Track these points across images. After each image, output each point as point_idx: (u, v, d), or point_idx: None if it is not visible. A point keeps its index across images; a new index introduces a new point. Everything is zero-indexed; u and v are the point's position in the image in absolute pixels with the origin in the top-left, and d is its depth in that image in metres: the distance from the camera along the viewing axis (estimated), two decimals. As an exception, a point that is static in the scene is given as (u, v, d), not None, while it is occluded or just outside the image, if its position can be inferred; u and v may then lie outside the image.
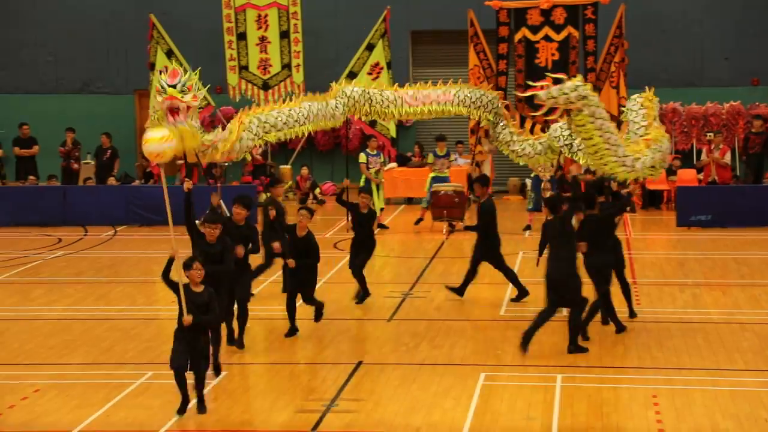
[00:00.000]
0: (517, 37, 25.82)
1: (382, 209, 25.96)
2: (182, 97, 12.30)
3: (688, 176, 27.82)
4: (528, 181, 26.99)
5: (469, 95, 16.95)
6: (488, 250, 18.19)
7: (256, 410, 13.48)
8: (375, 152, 25.86)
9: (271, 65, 27.72)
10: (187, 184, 13.91)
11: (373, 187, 25.56)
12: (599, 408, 13.12)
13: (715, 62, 29.85)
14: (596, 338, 16.05)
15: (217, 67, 27.71)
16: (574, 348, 15.21)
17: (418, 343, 16.10)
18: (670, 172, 27.83)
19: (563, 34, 25.61)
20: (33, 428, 12.54)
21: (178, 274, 12.43)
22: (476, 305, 18.25)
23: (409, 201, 28.60)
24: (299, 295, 16.21)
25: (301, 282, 16.13)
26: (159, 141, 12.41)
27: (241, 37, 27.69)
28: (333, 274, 20.46)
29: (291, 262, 15.90)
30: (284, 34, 27.54)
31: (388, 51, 27.12)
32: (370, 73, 27.26)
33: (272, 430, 12.66)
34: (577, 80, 15.51)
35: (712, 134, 27.98)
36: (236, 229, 15.46)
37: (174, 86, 12.23)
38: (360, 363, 15.02)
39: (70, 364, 15.15)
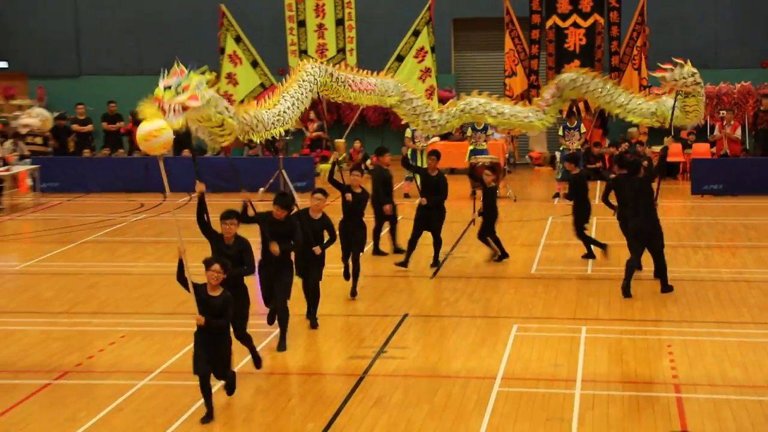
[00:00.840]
0: (548, 23, 25.67)
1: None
2: (172, 97, 10.25)
3: (701, 149, 27.70)
4: (557, 154, 26.87)
5: (382, 85, 15.76)
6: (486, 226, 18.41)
7: (315, 357, 13.58)
8: (419, 127, 25.93)
9: (327, 49, 27.70)
10: (200, 186, 12.15)
11: (419, 157, 25.67)
12: (619, 356, 13.13)
13: (727, 46, 29.59)
14: (614, 294, 16.00)
15: (279, 51, 27.79)
16: (666, 288, 15.99)
17: (458, 298, 16.14)
18: (686, 145, 27.80)
19: (590, 21, 25.47)
20: (120, 369, 12.73)
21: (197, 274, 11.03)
22: (510, 264, 18.24)
23: (451, 171, 28.52)
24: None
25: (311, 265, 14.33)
26: (150, 137, 10.41)
27: (301, 24, 27.71)
28: (383, 234, 20.46)
29: (317, 249, 14.17)
30: (339, 22, 27.53)
31: (432, 36, 27.02)
32: (416, 57, 27.18)
33: (329, 374, 12.75)
34: (692, 68, 15.74)
35: (724, 112, 27.85)
36: (278, 225, 13.36)
37: (168, 87, 10.33)
38: (406, 315, 15.07)
39: (152, 313, 15.34)
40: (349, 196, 16.12)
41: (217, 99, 10.89)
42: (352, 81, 14.88)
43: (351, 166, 28.26)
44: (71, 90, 31.13)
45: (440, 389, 12.03)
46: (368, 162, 29.32)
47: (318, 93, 14.32)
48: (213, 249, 12.14)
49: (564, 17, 25.56)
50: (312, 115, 29.53)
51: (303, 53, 27.63)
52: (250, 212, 13.29)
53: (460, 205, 23.49)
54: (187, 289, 10.89)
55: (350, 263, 16.12)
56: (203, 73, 10.45)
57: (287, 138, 28.14)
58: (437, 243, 18.14)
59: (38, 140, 27.68)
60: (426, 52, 26.97)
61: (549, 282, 16.93)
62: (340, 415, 11.28)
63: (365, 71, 15.44)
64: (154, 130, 10.32)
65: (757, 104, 28.28)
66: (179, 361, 12.76)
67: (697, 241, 20.06)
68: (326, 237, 14.38)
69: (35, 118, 27.48)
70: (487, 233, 18.35)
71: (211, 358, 10.92)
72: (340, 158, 28.49)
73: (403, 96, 16.52)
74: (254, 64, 26.99)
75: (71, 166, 27.76)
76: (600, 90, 16.95)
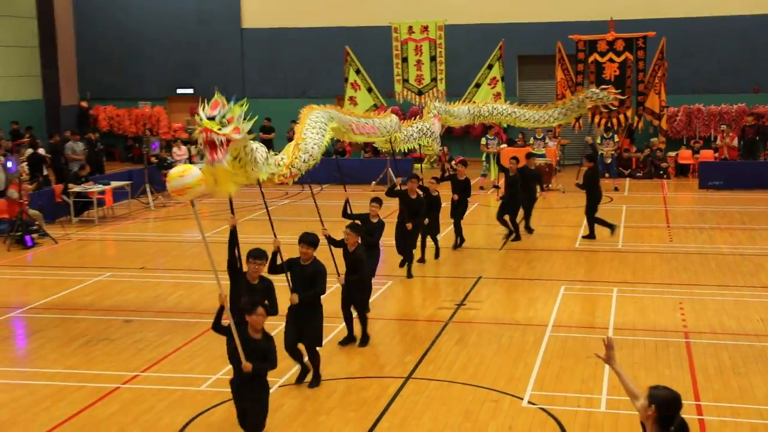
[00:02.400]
0: (590, 59, 25.33)
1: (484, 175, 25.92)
2: (220, 129, 7.95)
3: (707, 154, 27.03)
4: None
5: (382, 125, 13.40)
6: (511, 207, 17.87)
7: (412, 307, 13.55)
8: (492, 137, 25.88)
9: (423, 78, 27.65)
10: (232, 220, 9.30)
11: (492, 160, 25.51)
12: (642, 311, 12.87)
13: (728, 75, 28.74)
14: (638, 263, 15.72)
15: (388, 80, 27.80)
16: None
17: (519, 265, 15.96)
18: (695, 151, 27.27)
19: (622, 57, 25.09)
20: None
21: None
22: (560, 239, 17.98)
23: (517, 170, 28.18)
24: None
25: (351, 294, 11.31)
26: (185, 181, 8.16)
27: (404, 60, 27.68)
28: (465, 217, 20.35)
29: (341, 280, 11.13)
30: (432, 58, 27.46)
31: (502, 69, 26.87)
32: (489, 84, 27.02)
33: (422, 320, 12.70)
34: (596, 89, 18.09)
35: (724, 126, 27.21)
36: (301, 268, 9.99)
37: (212, 118, 8.02)
38: (480, 277, 14.95)
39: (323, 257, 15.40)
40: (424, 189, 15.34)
41: (256, 145, 8.80)
42: (355, 124, 12.44)
43: (439, 166, 28.32)
44: (237, 109, 31.51)
45: (505, 333, 11.91)
46: (452, 162, 29.20)
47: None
48: (238, 287, 9.21)
49: (602, 54, 25.23)
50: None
51: (405, 81, 27.65)
52: (278, 260, 10.12)
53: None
54: (230, 336, 8.04)
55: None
56: (242, 105, 8.22)
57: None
58: (437, 247, 16.30)
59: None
60: (497, 81, 26.85)
61: (589, 254, 16.66)
62: (431, 350, 11.23)
63: (368, 111, 13.67)
64: (187, 187, 8.10)
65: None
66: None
67: (702, 224, 19.52)
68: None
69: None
70: (505, 213, 17.74)
71: (244, 408, 8.15)
72: (432, 160, 28.49)
73: (401, 129, 14.48)
74: (369, 90, 27.08)
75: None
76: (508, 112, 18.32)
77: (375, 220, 12.94)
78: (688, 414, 5.74)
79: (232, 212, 9.38)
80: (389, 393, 9.80)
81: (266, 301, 8.60)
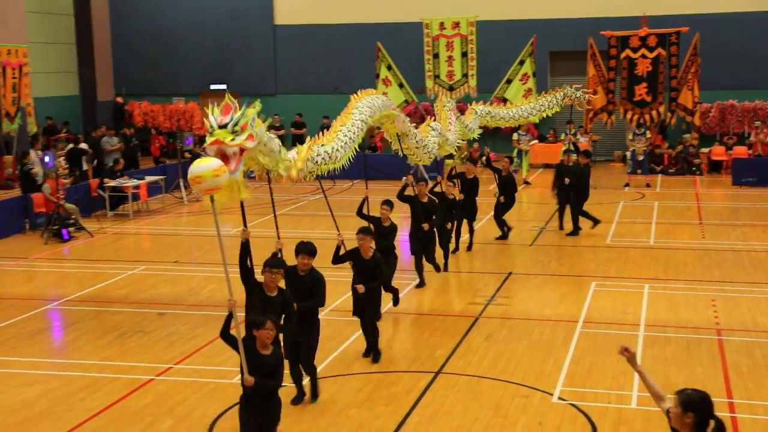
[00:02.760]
0: (622, 55, 25.10)
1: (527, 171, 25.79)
2: (233, 139, 7.25)
3: (740, 150, 26.72)
4: (628, 154, 26.28)
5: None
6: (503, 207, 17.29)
7: (442, 302, 13.53)
8: (524, 132, 25.84)
9: (455, 74, 27.60)
10: (245, 234, 8.47)
11: (523, 157, 25.46)
12: (674, 308, 12.76)
13: (761, 72, 28.36)
14: (671, 260, 15.58)
15: (419, 76, 27.76)
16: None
17: (550, 261, 15.88)
18: (728, 147, 26.98)
19: (655, 53, 24.83)
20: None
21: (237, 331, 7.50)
22: (590, 236, 17.84)
23: (546, 166, 28.05)
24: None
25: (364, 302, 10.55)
26: (214, 178, 7.05)
27: (436, 56, 27.64)
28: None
29: (360, 288, 10.34)
30: (464, 54, 27.38)
31: (533, 64, 26.76)
32: (521, 80, 26.92)
33: (452, 315, 12.68)
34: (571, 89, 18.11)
35: (758, 122, 26.87)
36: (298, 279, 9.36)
37: (225, 126, 7.27)
38: (510, 273, 14.90)
39: (320, 267, 15.42)
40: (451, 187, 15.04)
41: (269, 136, 8.09)
42: (402, 120, 12.20)
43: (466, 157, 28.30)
44: (270, 104, 31.61)
45: (536, 329, 11.86)
46: (483, 158, 29.12)
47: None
48: (254, 300, 8.52)
49: (635, 50, 25.00)
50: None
51: (436, 77, 27.62)
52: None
53: (552, 192, 23.10)
54: (236, 348, 7.38)
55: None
56: (254, 107, 7.63)
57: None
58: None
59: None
60: (528, 77, 26.76)
61: (620, 250, 16.54)
62: (461, 345, 11.21)
63: (399, 106, 11.88)
64: (213, 189, 7.12)
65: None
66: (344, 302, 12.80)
67: (735, 221, 19.31)
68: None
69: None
70: (503, 213, 17.31)
71: (259, 426, 7.50)
72: (463, 155, 28.39)
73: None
74: (400, 86, 27.07)
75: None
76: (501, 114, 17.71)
77: (387, 224, 12.35)
78: (720, 412, 5.66)
79: (245, 224, 8.50)
80: (420, 387, 9.80)
81: (284, 315, 8.34)
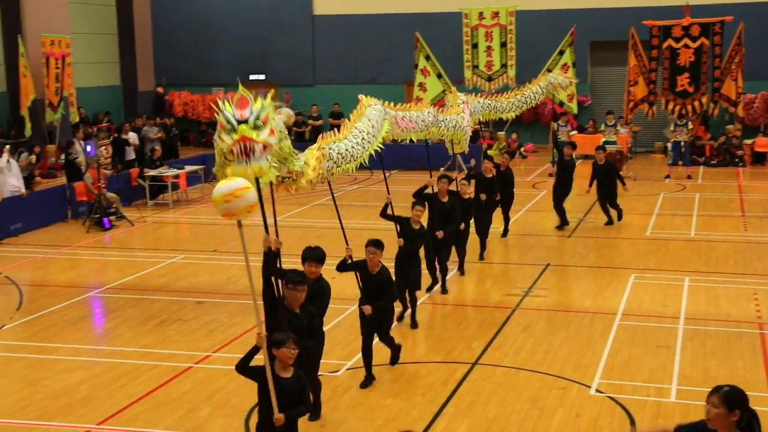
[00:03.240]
0: (665, 45, 24.76)
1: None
2: (258, 135, 6.65)
3: (784, 142, 26.33)
4: (669, 145, 25.97)
5: (419, 117, 11.54)
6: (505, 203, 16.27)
7: (479, 293, 13.51)
8: (564, 123, 25.71)
9: (493, 65, 27.43)
10: (267, 242, 7.56)
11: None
12: (715, 301, 12.61)
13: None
14: (711, 253, 15.39)
15: (457, 66, 27.64)
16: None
17: (588, 252, 15.77)
18: (772, 139, 26.63)
19: (698, 42, 24.45)
20: (340, 296, 12.86)
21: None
22: (630, 228, 17.70)
23: (585, 157, 27.84)
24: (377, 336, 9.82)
25: (375, 322, 9.51)
26: (231, 197, 6.39)
27: (474, 46, 27.50)
28: (532, 205, 20.20)
29: (367, 309, 9.37)
30: (503, 44, 27.20)
31: (573, 55, 26.53)
32: (560, 70, 26.69)
33: (489, 306, 12.65)
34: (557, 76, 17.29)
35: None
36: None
37: (245, 121, 6.64)
38: (548, 264, 14.82)
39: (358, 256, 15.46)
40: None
41: (283, 133, 7.35)
42: (399, 118, 11.06)
43: (507, 152, 28.17)
44: (308, 95, 31.71)
45: (573, 321, 11.79)
46: (522, 149, 28.98)
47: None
48: (277, 320, 7.59)
49: (677, 40, 24.63)
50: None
51: (475, 68, 27.50)
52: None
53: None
54: (254, 378, 6.83)
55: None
56: (270, 95, 7.02)
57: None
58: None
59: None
60: (568, 67, 26.51)
61: (660, 242, 16.37)
62: (498, 337, 11.18)
63: (414, 102, 11.59)
64: (237, 189, 6.38)
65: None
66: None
67: (779, 214, 19.04)
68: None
69: (283, 115, 27.94)
70: (506, 210, 16.42)
71: None
72: (501, 146, 28.24)
73: (437, 119, 12.52)
74: (439, 76, 26.94)
75: (304, 149, 28.10)
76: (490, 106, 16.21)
77: (417, 227, 11.34)
78: (760, 406, 5.59)
79: (267, 230, 7.55)
80: (456, 378, 9.80)
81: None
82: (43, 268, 15.26)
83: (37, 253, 16.30)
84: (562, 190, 17.51)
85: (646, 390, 9.42)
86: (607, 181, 17.54)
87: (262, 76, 32.80)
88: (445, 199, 12.76)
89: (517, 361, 10.32)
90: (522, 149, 29.02)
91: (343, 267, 9.88)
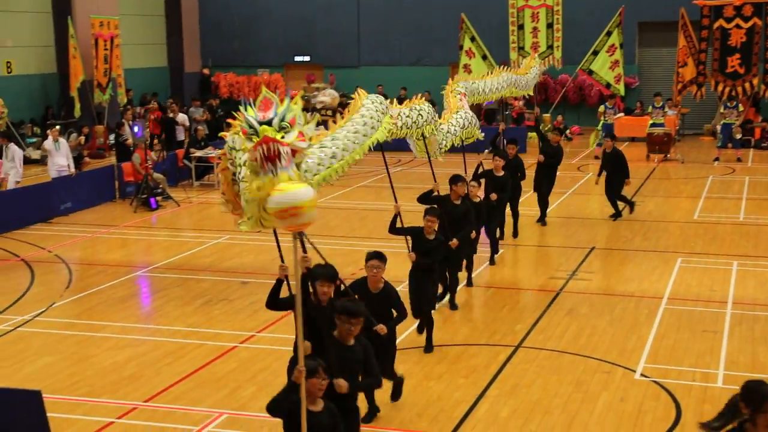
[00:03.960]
0: (715, 25, 24.32)
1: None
2: (283, 137, 5.66)
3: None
4: (718, 127, 25.49)
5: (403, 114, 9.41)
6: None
7: (522, 276, 13.44)
8: (611, 106, 25.42)
9: (539, 46, 27.16)
10: (305, 262, 7.09)
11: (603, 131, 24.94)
12: (763, 285, 12.42)
13: None
14: (761, 237, 15.13)
15: (503, 47, 27.40)
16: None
17: (634, 236, 15.59)
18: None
19: (750, 23, 23.96)
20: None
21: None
22: (677, 211, 17.46)
23: (632, 139, 27.48)
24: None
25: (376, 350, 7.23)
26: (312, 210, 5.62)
27: (520, 27, 27.26)
28: (577, 188, 20.00)
29: (381, 329, 7.73)
30: (549, 25, 26.91)
31: (621, 36, 26.17)
32: (607, 51, 26.33)
33: (533, 289, 12.58)
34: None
35: None
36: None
37: (269, 123, 5.72)
38: (593, 248, 14.68)
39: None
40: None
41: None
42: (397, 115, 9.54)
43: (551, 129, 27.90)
44: (352, 76, 31.69)
45: (618, 305, 11.68)
46: (567, 131, 28.67)
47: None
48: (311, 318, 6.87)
49: (728, 20, 24.16)
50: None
51: (521, 49, 27.24)
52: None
53: (638, 166, 22.68)
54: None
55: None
56: (296, 103, 5.99)
57: (506, 113, 27.80)
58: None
59: (329, 112, 28.32)
60: (616, 48, 26.18)
61: (708, 226, 16.12)
62: (542, 320, 11.12)
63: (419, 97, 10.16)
64: (293, 206, 5.51)
65: None
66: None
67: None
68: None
69: (327, 96, 28.10)
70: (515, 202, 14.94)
71: None
72: (547, 128, 27.95)
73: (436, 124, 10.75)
74: (484, 57, 26.75)
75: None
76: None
77: (431, 237, 9.90)
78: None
79: (282, 258, 7.01)
80: (499, 360, 9.77)
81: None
82: (92, 247, 15.50)
83: (86, 232, 16.55)
84: (546, 180, 15.92)
85: (692, 375, 9.30)
86: (615, 170, 16.21)
87: (307, 58, 32.85)
88: (458, 202, 11.28)
89: (561, 345, 10.25)
90: (567, 131, 28.73)
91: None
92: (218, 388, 9.16)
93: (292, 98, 6.01)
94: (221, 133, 6.73)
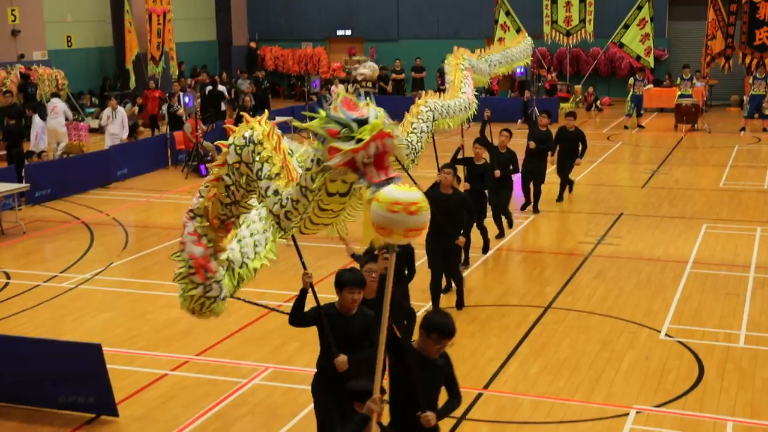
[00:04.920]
0: (744, -1, 23.85)
1: (640, 115, 24.87)
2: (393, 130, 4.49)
3: None
4: (745, 98, 24.98)
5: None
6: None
7: (553, 241, 13.38)
8: (641, 78, 24.99)
9: (572, 20, 26.82)
10: (307, 278, 6.37)
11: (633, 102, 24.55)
12: (786, 251, 12.24)
13: None
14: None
15: (536, 21, 27.08)
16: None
17: (661, 202, 15.42)
18: None
19: (780, -5, 23.46)
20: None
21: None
22: (703, 179, 17.21)
23: (660, 110, 27.07)
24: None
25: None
26: (401, 208, 4.36)
27: (554, 1, 26.93)
28: (606, 156, 19.78)
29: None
30: (582, 0, 26.60)
31: (652, 9, 25.73)
32: (638, 25, 25.96)
33: (563, 253, 12.51)
34: None
35: None
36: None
37: (364, 121, 4.43)
38: (621, 214, 14.55)
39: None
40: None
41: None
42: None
43: (585, 106, 27.54)
44: (392, 50, 31.51)
45: (645, 268, 11.59)
46: (598, 102, 28.30)
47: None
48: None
49: (757, -7, 23.63)
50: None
51: (554, 23, 26.92)
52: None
53: (666, 135, 22.38)
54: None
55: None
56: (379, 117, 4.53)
57: (538, 84, 27.48)
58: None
59: (369, 84, 28.24)
60: (646, 21, 25.77)
61: (733, 194, 15.89)
62: (570, 283, 11.08)
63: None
64: (412, 202, 4.38)
65: None
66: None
67: None
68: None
69: (368, 69, 28.00)
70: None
71: None
72: (578, 99, 27.63)
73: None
74: (518, 31, 26.39)
75: (387, 102, 27.99)
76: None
77: (480, 162, 9.97)
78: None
79: (304, 265, 6.39)
80: (529, 320, 9.76)
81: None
82: (146, 211, 15.69)
83: (141, 197, 16.75)
84: (536, 163, 14.15)
85: (714, 335, 9.23)
86: (573, 150, 14.66)
87: (348, 32, 32.71)
88: (450, 192, 9.82)
89: (589, 306, 10.21)
90: (598, 102, 28.38)
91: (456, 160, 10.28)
92: (263, 344, 9.27)
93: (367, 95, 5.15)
94: (217, 142, 6.14)
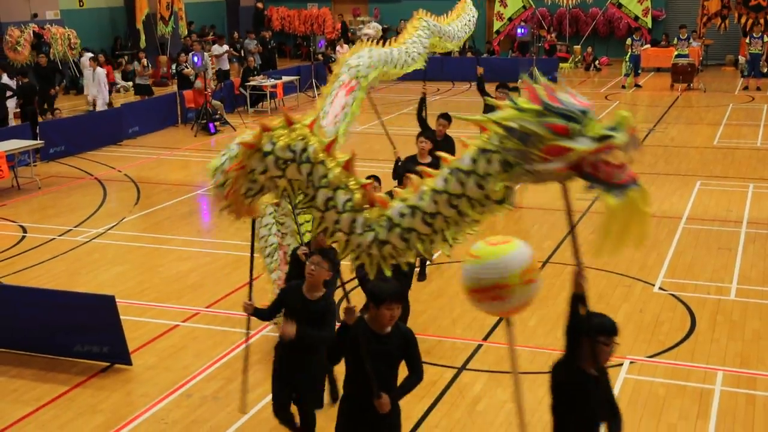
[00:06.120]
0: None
1: (637, 74, 24.58)
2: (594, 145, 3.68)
3: None
4: (741, 58, 24.69)
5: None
6: None
7: (549, 197, 13.25)
8: (638, 38, 24.67)
9: (572, -20, 26.49)
10: (350, 314, 4.85)
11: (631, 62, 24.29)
12: (777, 208, 12.18)
13: None
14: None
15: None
16: None
17: (657, 161, 15.31)
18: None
19: (774, -44, 23.00)
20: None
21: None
22: (698, 137, 17.08)
23: (657, 70, 26.77)
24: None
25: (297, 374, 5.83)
26: (534, 275, 4.13)
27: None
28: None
29: (290, 327, 5.68)
30: (582, -40, 26.26)
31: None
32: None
33: (559, 209, 12.39)
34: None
35: None
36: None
37: (583, 113, 3.67)
38: (618, 171, 14.45)
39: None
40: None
41: None
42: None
43: (584, 66, 27.26)
44: (396, 10, 31.14)
45: (640, 224, 11.51)
46: (597, 62, 28.00)
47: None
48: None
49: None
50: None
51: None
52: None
53: (663, 94, 22.19)
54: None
55: None
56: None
57: (538, 44, 27.15)
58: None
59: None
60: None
61: (726, 151, 15.78)
62: (567, 238, 11.03)
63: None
64: (532, 263, 3.94)
65: None
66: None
67: None
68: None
69: (372, 29, 27.60)
70: None
71: None
72: (577, 59, 27.33)
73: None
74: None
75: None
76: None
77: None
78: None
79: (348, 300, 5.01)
80: (528, 274, 9.72)
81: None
82: (157, 168, 15.63)
83: (152, 154, 16.68)
84: None
85: (707, 288, 9.22)
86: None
87: (353, -8, 32.34)
88: (427, 161, 8.78)
89: (585, 260, 10.14)
90: (596, 62, 28.09)
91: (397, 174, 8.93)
92: (272, 297, 9.28)
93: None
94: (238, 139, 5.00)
